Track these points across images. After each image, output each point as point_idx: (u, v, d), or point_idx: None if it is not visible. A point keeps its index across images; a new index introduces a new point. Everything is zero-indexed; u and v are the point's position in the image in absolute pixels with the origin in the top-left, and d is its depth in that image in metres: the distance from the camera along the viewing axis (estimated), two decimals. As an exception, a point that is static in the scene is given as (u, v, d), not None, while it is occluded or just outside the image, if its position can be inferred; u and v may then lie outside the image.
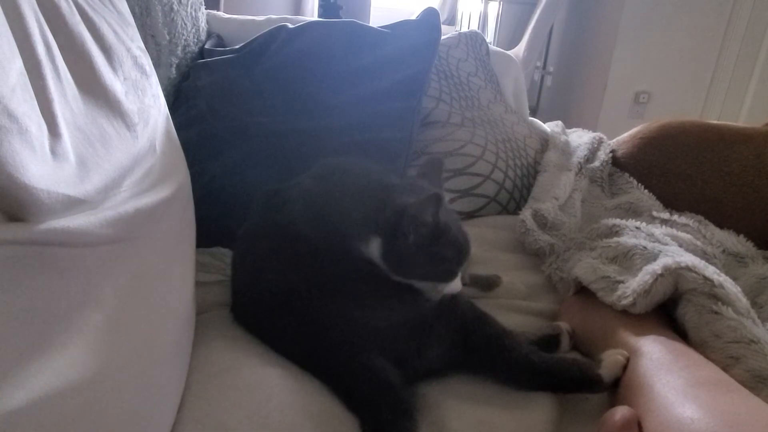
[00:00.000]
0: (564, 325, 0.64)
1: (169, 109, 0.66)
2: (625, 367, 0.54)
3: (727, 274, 0.63)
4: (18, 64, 0.35)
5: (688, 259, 0.61)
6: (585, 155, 1.04)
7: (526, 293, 0.74)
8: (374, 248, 0.55)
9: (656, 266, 0.60)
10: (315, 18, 2.19)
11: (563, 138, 1.15)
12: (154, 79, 0.61)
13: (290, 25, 1.04)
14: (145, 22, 0.87)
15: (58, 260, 0.34)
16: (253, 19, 1.22)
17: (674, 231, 0.77)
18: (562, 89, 3.37)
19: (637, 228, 0.75)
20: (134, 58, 0.56)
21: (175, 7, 0.94)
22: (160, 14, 0.89)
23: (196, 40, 1.04)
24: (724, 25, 2.70)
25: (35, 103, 0.36)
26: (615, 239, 0.71)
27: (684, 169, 0.92)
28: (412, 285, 0.57)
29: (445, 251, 0.56)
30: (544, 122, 1.33)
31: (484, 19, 3.50)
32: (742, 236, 0.82)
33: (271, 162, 0.83)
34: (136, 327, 0.41)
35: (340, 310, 0.52)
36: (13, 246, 0.31)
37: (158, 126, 0.58)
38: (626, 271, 0.65)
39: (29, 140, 0.33)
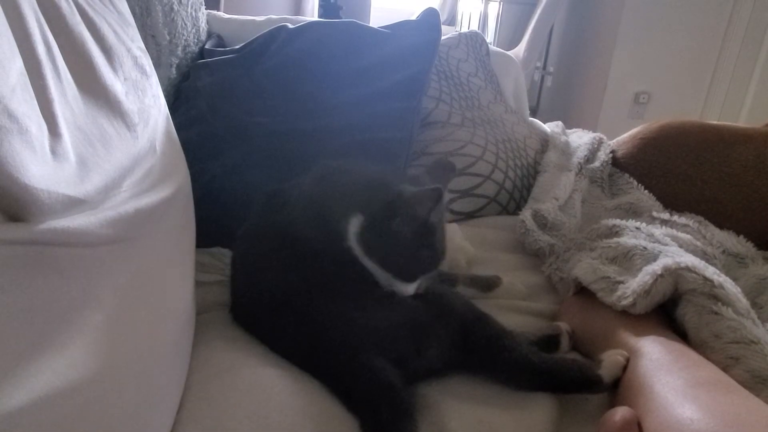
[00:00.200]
0: (564, 326, 0.64)
1: (169, 109, 0.66)
2: (625, 368, 0.54)
3: (727, 274, 0.63)
4: (18, 64, 0.35)
5: (688, 259, 0.61)
6: (585, 156, 1.04)
7: (526, 293, 0.74)
8: (353, 226, 0.54)
9: (656, 267, 0.60)
10: (315, 18, 2.20)
11: (563, 138, 1.15)
12: (155, 80, 0.61)
13: (290, 26, 1.04)
14: (146, 22, 0.87)
15: (58, 260, 0.34)
16: (254, 20, 1.22)
17: (674, 231, 0.77)
18: (562, 89, 3.38)
19: (637, 228, 0.75)
20: (134, 59, 0.56)
21: (176, 8, 0.94)
22: (160, 14, 0.89)
23: (196, 40, 1.04)
24: (724, 25, 2.70)
25: (35, 103, 0.36)
26: (615, 240, 0.71)
27: (684, 169, 0.92)
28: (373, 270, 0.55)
29: (423, 252, 0.55)
30: (544, 122, 1.33)
31: (484, 20, 3.50)
32: (742, 237, 0.82)
33: (271, 162, 0.83)
34: (136, 327, 0.41)
35: (339, 311, 0.51)
36: (13, 246, 0.31)
37: (158, 126, 0.58)
38: (626, 272, 0.65)
39: (29, 140, 0.33)
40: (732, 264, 0.78)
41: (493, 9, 3.36)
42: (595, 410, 0.54)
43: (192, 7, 1.00)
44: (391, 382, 0.48)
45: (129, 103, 0.50)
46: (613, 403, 0.53)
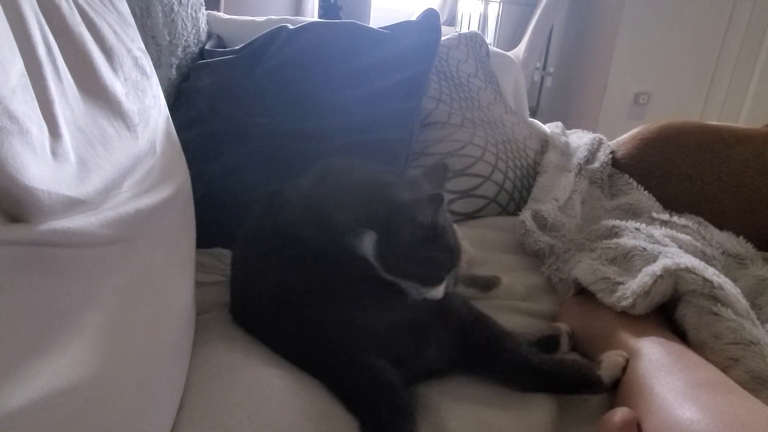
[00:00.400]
0: (563, 326, 0.64)
1: (169, 109, 0.66)
2: (624, 369, 0.54)
3: (726, 275, 0.63)
4: (19, 65, 0.35)
5: (688, 260, 0.61)
6: (585, 156, 1.04)
7: (525, 294, 0.74)
8: (367, 244, 0.54)
9: (656, 267, 0.60)
10: (315, 19, 2.20)
11: (563, 139, 1.15)
12: (155, 80, 0.61)
13: (290, 26, 1.04)
14: (146, 22, 0.87)
15: (58, 261, 0.34)
16: (254, 20, 1.22)
17: (674, 232, 0.77)
18: (562, 90, 3.38)
19: (636, 229, 0.75)
20: (135, 59, 0.56)
21: (176, 8, 0.94)
22: (160, 15, 0.89)
23: (196, 40, 1.04)
24: (724, 25, 2.70)
25: (36, 103, 0.36)
26: (615, 240, 0.71)
27: (684, 170, 0.92)
28: (400, 284, 0.56)
29: (437, 255, 0.55)
30: (544, 123, 1.33)
31: (484, 20, 3.50)
32: (741, 237, 0.82)
33: (271, 162, 0.83)
34: (137, 327, 0.41)
35: (339, 311, 0.51)
36: (13, 247, 0.31)
37: (158, 127, 0.58)
38: (626, 273, 0.65)
39: (30, 141, 0.33)
40: (731, 265, 0.78)
41: (493, 9, 3.36)
42: (594, 411, 0.54)
43: (192, 8, 1.01)
44: (391, 383, 0.48)
45: (129, 103, 0.51)
46: (612, 404, 0.53)
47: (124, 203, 0.44)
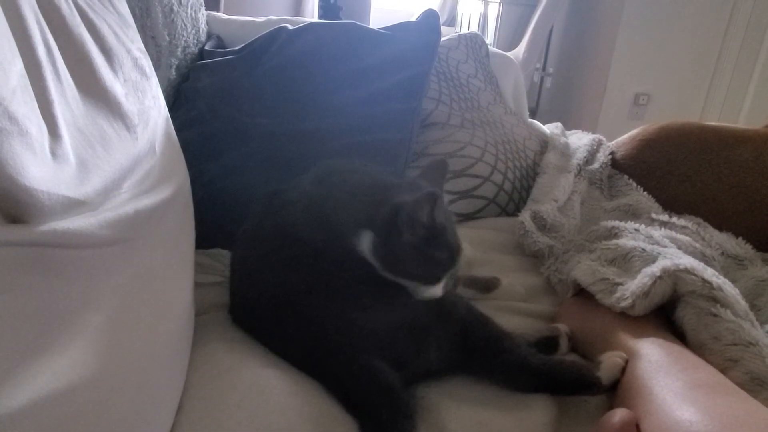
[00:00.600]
0: (563, 327, 0.64)
1: (168, 110, 0.66)
2: (623, 370, 0.54)
3: (726, 276, 0.63)
4: (18, 66, 0.35)
5: (687, 261, 0.61)
6: (584, 157, 1.04)
7: (524, 295, 0.74)
8: (365, 243, 0.54)
9: (655, 268, 0.60)
10: (315, 19, 2.20)
11: (562, 140, 1.15)
12: (154, 81, 0.61)
13: (290, 27, 1.04)
14: (145, 23, 0.87)
15: (58, 262, 0.34)
16: (253, 20, 1.22)
17: (673, 233, 0.77)
18: (561, 91, 3.38)
19: (636, 230, 0.75)
20: (134, 60, 0.56)
21: (175, 9, 0.94)
22: (160, 15, 0.89)
23: (196, 41, 1.04)
24: (724, 25, 2.70)
25: (35, 104, 0.36)
26: (614, 241, 0.71)
27: (683, 170, 0.92)
28: (400, 283, 0.56)
29: (438, 254, 0.55)
30: (543, 124, 1.33)
31: (483, 21, 3.50)
32: (741, 238, 0.82)
33: (271, 163, 0.83)
34: (136, 328, 0.42)
35: (338, 312, 0.52)
36: (13, 247, 0.31)
37: (158, 127, 0.58)
38: (625, 273, 0.65)
39: (30, 142, 0.33)
40: (731, 266, 0.78)
41: (493, 10, 3.36)
42: (593, 412, 0.54)
43: (192, 8, 1.01)
44: (391, 384, 0.48)
45: (129, 104, 0.51)
46: (611, 405, 0.53)
47: (124, 204, 0.44)
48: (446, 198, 0.79)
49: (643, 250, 0.66)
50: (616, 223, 0.77)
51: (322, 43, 1.00)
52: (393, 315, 0.54)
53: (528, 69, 3.01)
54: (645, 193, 0.94)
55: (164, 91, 0.74)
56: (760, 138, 0.91)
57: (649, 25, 2.72)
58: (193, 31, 1.02)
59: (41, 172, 0.34)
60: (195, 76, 0.98)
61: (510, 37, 3.26)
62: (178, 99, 0.96)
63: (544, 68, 3.44)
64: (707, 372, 0.50)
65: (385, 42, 1.01)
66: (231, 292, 0.62)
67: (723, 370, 0.52)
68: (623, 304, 0.60)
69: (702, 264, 0.62)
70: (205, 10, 1.12)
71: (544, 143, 1.16)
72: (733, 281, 0.64)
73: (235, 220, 0.62)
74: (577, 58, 3.21)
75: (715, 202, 0.88)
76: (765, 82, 2.69)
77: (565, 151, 1.10)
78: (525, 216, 0.87)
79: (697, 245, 0.76)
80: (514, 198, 1.01)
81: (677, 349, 0.54)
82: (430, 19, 1.04)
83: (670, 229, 0.80)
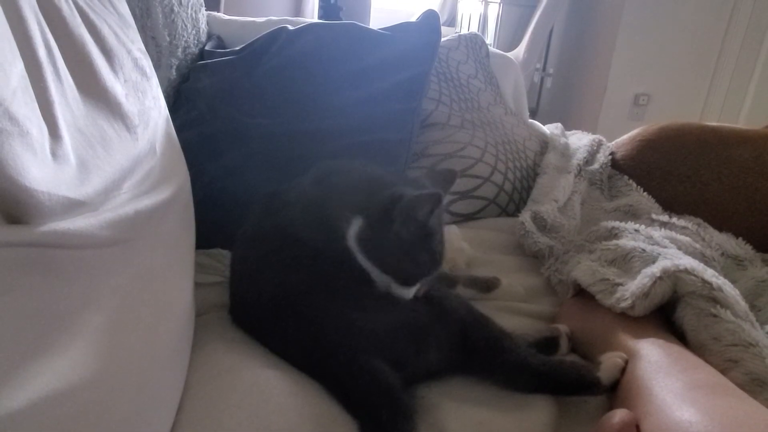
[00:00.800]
0: (563, 328, 0.64)
1: (169, 110, 0.66)
2: (623, 370, 0.54)
3: (725, 277, 0.63)
4: (19, 66, 0.35)
5: (687, 262, 0.61)
6: (584, 157, 1.04)
7: (525, 295, 0.74)
8: (353, 228, 0.54)
9: (655, 269, 0.60)
10: (315, 19, 2.20)
11: (563, 140, 1.15)
12: (155, 81, 0.61)
13: (291, 27, 1.04)
14: (146, 23, 0.87)
15: (58, 262, 0.34)
16: (254, 21, 1.22)
17: (673, 234, 0.77)
18: (561, 91, 3.38)
19: (636, 231, 0.75)
20: (135, 60, 0.56)
21: (176, 9, 0.94)
22: (160, 16, 0.89)
23: (196, 41, 1.04)
24: (724, 25, 2.70)
25: (36, 105, 0.36)
26: (614, 242, 0.71)
27: (683, 171, 0.92)
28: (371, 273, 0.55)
29: (420, 256, 0.55)
30: (543, 124, 1.33)
31: (484, 21, 3.50)
32: (740, 239, 0.82)
33: (271, 164, 0.83)
34: (136, 328, 0.42)
35: (338, 313, 0.52)
36: (13, 248, 0.31)
37: (158, 128, 0.58)
38: (625, 274, 0.65)
39: (30, 143, 0.33)
40: (731, 266, 0.78)
41: (493, 10, 3.36)
42: (593, 412, 0.54)
43: (192, 9, 1.01)
44: (391, 384, 0.48)
45: (129, 104, 0.51)
46: (611, 406, 0.53)
47: (124, 204, 0.44)
48: (446, 199, 0.79)
49: (643, 250, 0.66)
50: (616, 223, 0.77)
51: (323, 44, 1.00)
52: (393, 315, 0.54)
53: (528, 69, 3.01)
54: (645, 193, 0.94)
55: (164, 92, 0.74)
56: (760, 138, 0.91)
57: (649, 25, 2.72)
58: (194, 32, 1.02)
59: (42, 173, 0.34)
60: (195, 77, 0.98)
61: (510, 37, 3.26)
62: (178, 99, 0.96)
63: (544, 69, 3.44)
64: (707, 373, 0.50)
65: (385, 42, 1.01)
66: (231, 292, 0.62)
67: (723, 371, 0.52)
68: (623, 304, 0.60)
69: (702, 265, 0.62)
70: (206, 10, 1.12)
71: (544, 144, 1.16)
72: (733, 282, 0.64)
73: (235, 221, 0.62)
74: (577, 58, 3.21)
75: (715, 203, 0.88)
76: (765, 83, 2.69)
77: (565, 152, 1.11)
78: (525, 216, 0.87)
79: (697, 246, 0.76)
80: (514, 198, 1.01)
81: (677, 349, 0.54)
82: (430, 19, 1.04)
83: (670, 229, 0.80)
